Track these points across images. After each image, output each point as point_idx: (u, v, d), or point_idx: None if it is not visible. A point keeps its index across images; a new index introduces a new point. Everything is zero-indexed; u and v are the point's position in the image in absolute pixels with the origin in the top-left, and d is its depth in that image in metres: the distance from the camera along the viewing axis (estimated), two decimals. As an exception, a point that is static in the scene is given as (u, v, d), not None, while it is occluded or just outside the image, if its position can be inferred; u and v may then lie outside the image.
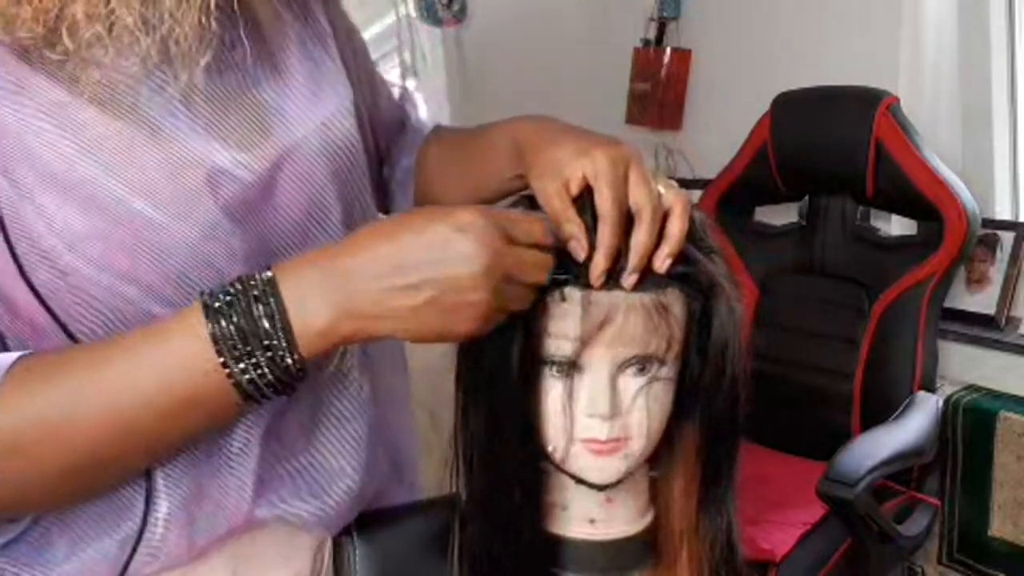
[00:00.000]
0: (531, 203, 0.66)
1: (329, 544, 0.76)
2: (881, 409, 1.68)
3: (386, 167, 0.94)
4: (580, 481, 0.64)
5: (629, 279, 0.60)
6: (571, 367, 0.61)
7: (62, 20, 0.56)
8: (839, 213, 1.87)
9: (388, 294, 0.54)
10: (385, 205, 0.94)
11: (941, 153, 1.73)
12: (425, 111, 0.98)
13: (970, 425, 1.72)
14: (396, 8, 2.40)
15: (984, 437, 1.70)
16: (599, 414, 0.61)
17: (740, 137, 1.95)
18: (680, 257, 0.61)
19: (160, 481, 0.64)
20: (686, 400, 0.65)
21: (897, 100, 1.74)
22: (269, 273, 0.55)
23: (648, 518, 0.69)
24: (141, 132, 0.60)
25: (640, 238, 0.60)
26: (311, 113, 0.69)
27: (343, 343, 0.57)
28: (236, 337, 0.54)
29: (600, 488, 0.64)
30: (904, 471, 1.64)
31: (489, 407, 0.63)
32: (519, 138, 0.73)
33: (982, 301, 1.83)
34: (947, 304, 1.77)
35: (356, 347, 0.72)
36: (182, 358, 0.54)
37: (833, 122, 1.79)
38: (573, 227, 0.60)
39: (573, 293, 0.60)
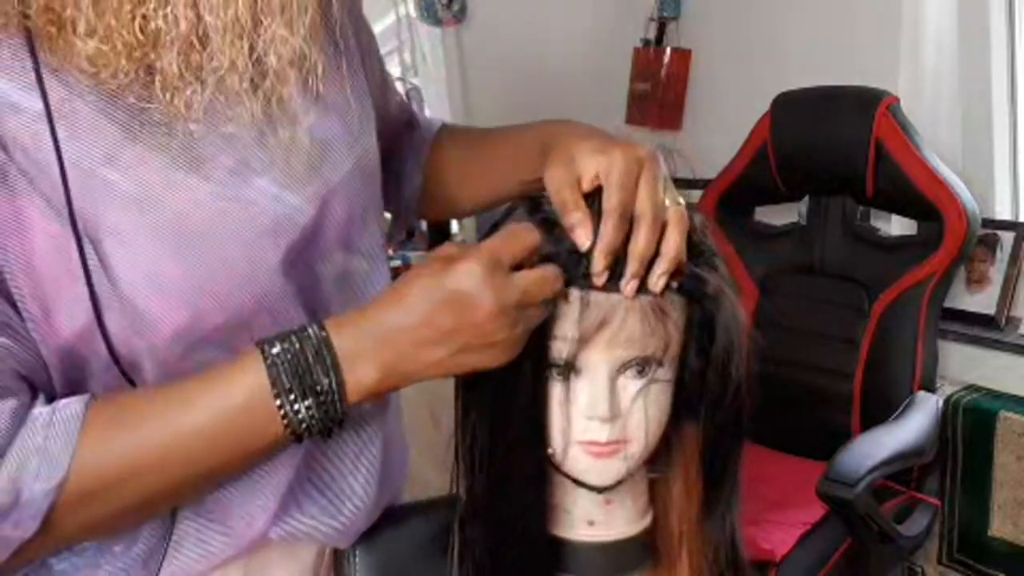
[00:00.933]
0: (532, 204, 0.65)
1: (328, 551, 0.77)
2: (881, 409, 1.68)
3: (393, 166, 0.94)
4: (579, 483, 0.64)
5: (629, 287, 0.60)
6: (570, 369, 0.61)
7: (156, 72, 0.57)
8: (839, 213, 1.87)
9: (427, 350, 0.58)
10: (389, 205, 0.94)
11: (941, 153, 1.73)
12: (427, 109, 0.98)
13: (970, 425, 1.72)
14: (396, 8, 2.40)
15: (984, 437, 1.70)
16: (599, 416, 0.61)
17: (740, 137, 1.95)
18: (678, 272, 0.61)
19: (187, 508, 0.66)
20: (687, 403, 0.65)
21: (897, 100, 1.74)
22: (323, 332, 0.59)
23: (647, 519, 0.69)
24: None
25: (638, 244, 0.60)
26: (355, 146, 0.70)
27: (388, 392, 0.62)
28: (294, 385, 0.57)
29: (599, 490, 0.64)
30: (904, 471, 1.64)
31: (493, 410, 0.63)
32: (546, 140, 0.74)
33: (982, 301, 1.84)
34: (947, 304, 1.77)
35: None
36: (246, 403, 0.58)
37: (833, 122, 1.79)
38: (579, 215, 0.61)
39: (573, 294, 0.60)
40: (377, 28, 2.45)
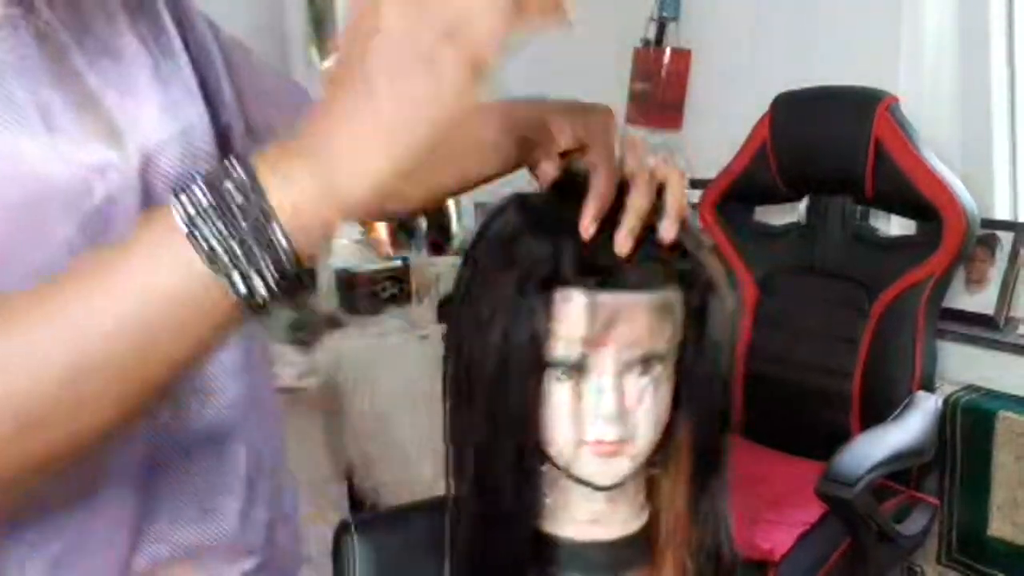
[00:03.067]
0: (521, 203, 0.64)
1: None
2: (880, 409, 1.68)
3: None
4: (582, 482, 0.64)
5: (625, 242, 0.59)
6: (576, 369, 0.61)
7: None
8: (839, 213, 1.87)
9: (351, 102, 0.47)
10: None
11: (940, 153, 1.73)
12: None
13: (969, 425, 1.72)
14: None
15: (983, 437, 1.70)
16: (607, 416, 0.60)
17: (740, 137, 1.95)
18: (679, 250, 0.61)
19: (30, 538, 0.60)
20: (679, 396, 0.65)
21: (897, 100, 1.74)
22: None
23: (645, 516, 0.69)
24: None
25: (637, 201, 0.59)
26: (169, 117, 0.65)
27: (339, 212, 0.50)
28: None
29: (603, 489, 0.64)
30: (903, 471, 1.64)
31: (490, 412, 0.62)
32: (507, 110, 0.72)
33: (981, 301, 1.84)
34: (946, 304, 1.78)
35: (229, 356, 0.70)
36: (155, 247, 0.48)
37: (833, 122, 1.79)
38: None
39: (578, 295, 0.59)
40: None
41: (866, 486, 1.43)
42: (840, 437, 1.62)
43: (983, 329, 1.82)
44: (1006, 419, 1.68)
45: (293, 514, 0.80)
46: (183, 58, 0.70)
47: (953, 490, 1.76)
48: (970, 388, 1.79)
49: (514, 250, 0.61)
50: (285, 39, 2.17)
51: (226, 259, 0.47)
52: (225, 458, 0.70)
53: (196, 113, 0.68)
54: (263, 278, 0.48)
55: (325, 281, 2.24)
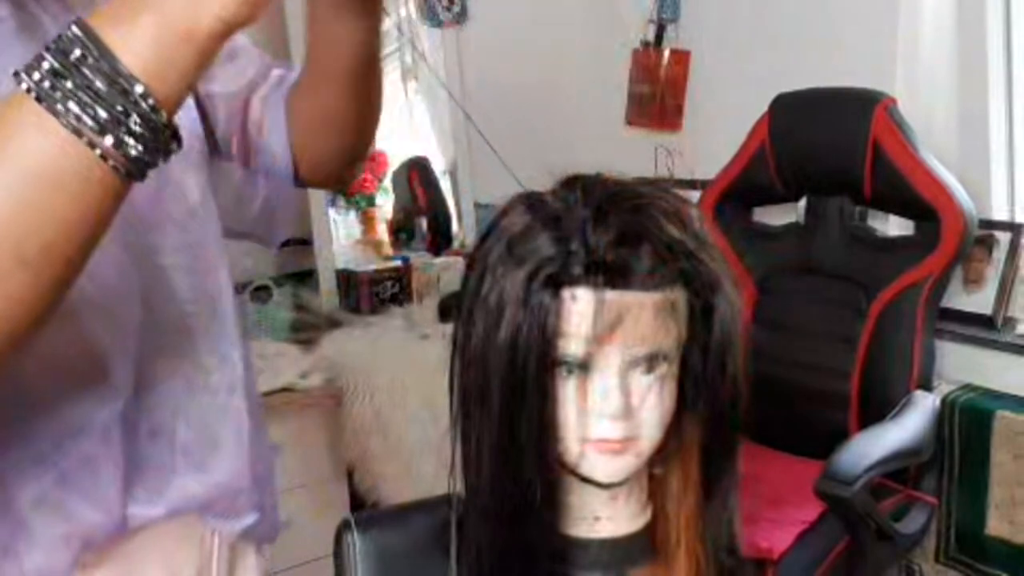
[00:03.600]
0: (528, 202, 0.65)
1: (216, 539, 0.78)
2: (879, 408, 1.68)
3: (251, 124, 0.87)
4: (586, 480, 0.65)
5: None
6: (582, 367, 0.61)
7: None
8: (837, 213, 1.87)
9: None
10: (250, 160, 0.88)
11: (938, 154, 1.74)
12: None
13: (967, 424, 1.73)
14: (396, 9, 2.41)
15: (981, 436, 1.71)
16: (611, 414, 0.61)
17: (739, 137, 1.96)
18: (685, 250, 0.61)
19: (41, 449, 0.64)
20: (686, 396, 0.65)
21: (895, 101, 1.74)
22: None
23: (648, 514, 0.69)
24: None
25: None
26: None
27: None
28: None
29: (607, 486, 0.65)
30: (901, 470, 1.64)
31: (500, 409, 0.62)
32: None
33: (979, 301, 1.84)
34: (944, 304, 1.78)
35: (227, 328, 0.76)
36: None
37: (831, 123, 1.80)
38: None
39: (585, 294, 0.60)
40: (377, 29, 2.47)
41: (864, 485, 1.44)
42: (838, 436, 1.62)
43: (981, 329, 1.83)
44: (1004, 418, 1.68)
45: (274, 480, 0.86)
46: None
47: (951, 489, 1.76)
48: (968, 387, 1.80)
49: (522, 248, 0.61)
50: (285, 39, 2.18)
51: (90, 123, 0.47)
52: (227, 413, 0.74)
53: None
54: (132, 134, 0.48)
55: (325, 281, 2.24)
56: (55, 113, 0.47)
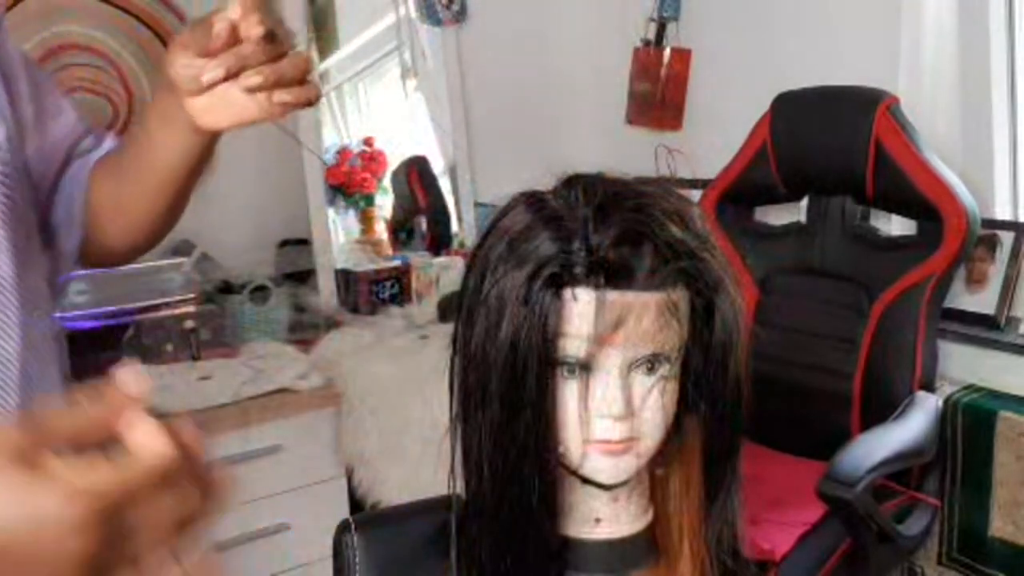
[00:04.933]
0: (530, 201, 0.64)
1: None
2: (881, 409, 1.68)
3: (55, 199, 0.86)
4: (587, 481, 0.64)
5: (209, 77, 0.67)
6: (582, 368, 0.61)
7: None
8: (839, 213, 1.87)
9: None
10: (49, 240, 0.86)
11: (941, 153, 1.73)
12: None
13: (970, 425, 1.72)
14: (396, 8, 2.40)
15: (984, 437, 1.70)
16: (613, 415, 0.61)
17: (740, 137, 1.95)
18: (687, 252, 0.61)
19: None
20: (688, 396, 0.65)
21: (897, 100, 1.74)
22: None
23: (649, 515, 0.69)
24: None
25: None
26: None
27: None
28: None
29: (608, 487, 0.64)
30: (904, 471, 1.64)
31: (501, 410, 0.62)
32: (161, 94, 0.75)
33: (982, 301, 1.84)
34: (947, 304, 1.77)
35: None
36: None
37: (833, 122, 1.79)
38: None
39: (586, 294, 0.59)
40: (377, 28, 2.47)
41: (867, 486, 1.43)
42: (841, 437, 1.62)
43: (983, 329, 1.82)
44: (1007, 419, 1.67)
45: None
46: None
47: (954, 490, 1.76)
48: (971, 388, 1.79)
49: (522, 248, 0.61)
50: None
51: None
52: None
53: (3, 132, 0.72)
54: None
55: (324, 281, 2.24)
56: None
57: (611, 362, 0.61)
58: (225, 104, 0.70)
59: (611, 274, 0.59)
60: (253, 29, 0.66)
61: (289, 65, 0.68)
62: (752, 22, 2.25)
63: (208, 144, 0.78)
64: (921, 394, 1.68)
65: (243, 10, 0.66)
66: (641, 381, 0.62)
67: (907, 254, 1.75)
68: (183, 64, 0.69)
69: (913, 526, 1.64)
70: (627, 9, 2.50)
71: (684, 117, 2.46)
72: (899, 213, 1.86)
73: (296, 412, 1.85)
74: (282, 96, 0.68)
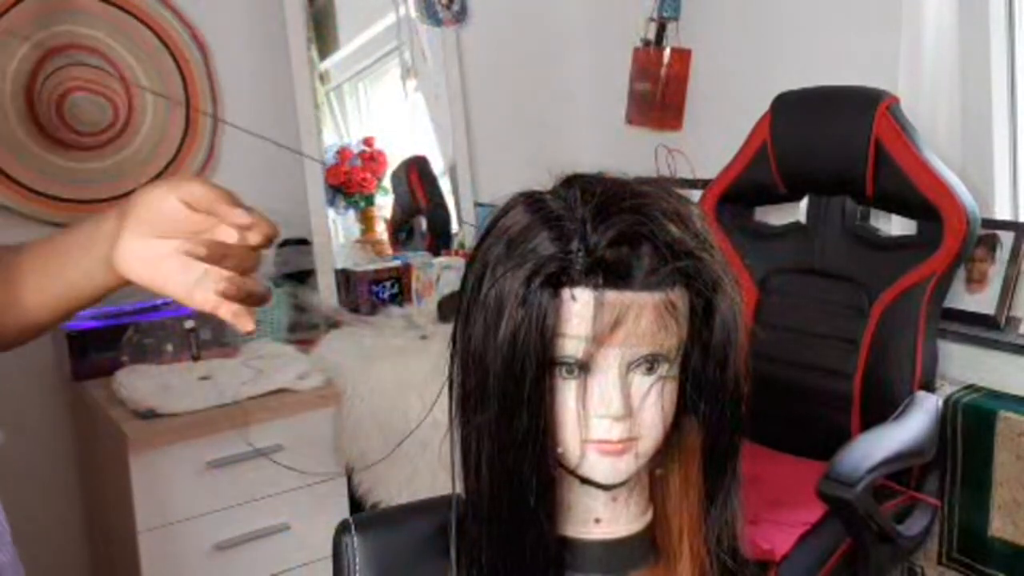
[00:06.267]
0: (529, 201, 0.64)
1: None
2: (881, 409, 1.68)
3: None
4: (586, 481, 0.64)
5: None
6: (581, 368, 0.61)
7: None
8: (839, 213, 1.87)
9: None
10: None
11: (941, 153, 1.73)
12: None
13: (970, 425, 1.72)
14: (396, 8, 2.40)
15: (984, 437, 1.70)
16: (611, 415, 0.61)
17: (740, 137, 1.95)
18: (686, 252, 0.61)
19: None
20: (687, 396, 0.65)
21: (897, 100, 1.74)
22: None
23: (648, 515, 0.69)
24: None
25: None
26: None
27: None
28: None
29: (607, 488, 0.64)
30: (904, 471, 1.64)
31: (500, 410, 0.62)
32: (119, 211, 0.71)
33: (982, 301, 1.84)
34: (947, 304, 1.77)
35: None
36: None
37: (833, 122, 1.79)
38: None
39: (585, 294, 0.59)
40: (377, 28, 2.47)
41: (867, 486, 1.43)
42: (841, 437, 1.62)
43: (984, 329, 1.82)
44: (1007, 419, 1.67)
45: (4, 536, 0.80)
46: None
47: (954, 490, 1.76)
48: (971, 388, 1.79)
49: (521, 248, 0.61)
50: (285, 39, 2.17)
51: None
52: None
53: None
54: None
55: (324, 281, 2.24)
56: None
57: (610, 362, 0.61)
58: (159, 264, 0.68)
59: (610, 274, 0.59)
60: (253, 240, 0.68)
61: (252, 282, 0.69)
62: (752, 22, 2.25)
63: (111, 288, 0.75)
64: (921, 394, 1.68)
65: (254, 222, 0.69)
66: (640, 381, 0.62)
67: (907, 254, 1.75)
68: (185, 218, 0.68)
69: (913, 526, 1.64)
70: (627, 9, 2.50)
71: (684, 117, 2.46)
72: (899, 213, 1.86)
73: (296, 412, 1.85)
74: (231, 308, 0.67)
